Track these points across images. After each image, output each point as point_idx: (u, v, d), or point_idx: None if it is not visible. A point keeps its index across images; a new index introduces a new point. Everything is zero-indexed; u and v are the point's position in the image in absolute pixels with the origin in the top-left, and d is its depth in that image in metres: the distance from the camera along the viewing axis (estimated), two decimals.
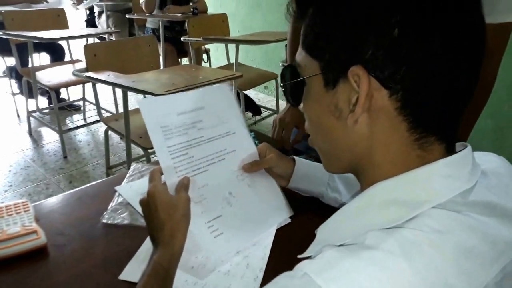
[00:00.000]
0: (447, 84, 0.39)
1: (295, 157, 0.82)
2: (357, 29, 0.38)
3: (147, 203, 0.62)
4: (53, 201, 0.85)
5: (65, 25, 2.95)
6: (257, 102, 3.03)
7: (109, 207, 0.82)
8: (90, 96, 3.22)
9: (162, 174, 0.68)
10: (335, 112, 0.43)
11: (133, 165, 0.99)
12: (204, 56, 3.52)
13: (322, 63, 0.42)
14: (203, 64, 3.54)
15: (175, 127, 0.71)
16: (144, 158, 2.00)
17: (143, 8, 3.24)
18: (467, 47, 0.39)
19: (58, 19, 2.96)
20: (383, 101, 0.39)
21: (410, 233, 0.36)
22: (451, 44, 0.37)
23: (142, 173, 0.96)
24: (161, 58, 3.17)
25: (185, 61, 3.68)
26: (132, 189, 0.89)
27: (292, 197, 0.82)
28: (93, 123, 2.97)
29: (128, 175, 0.95)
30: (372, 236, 0.37)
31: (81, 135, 2.98)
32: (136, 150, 2.22)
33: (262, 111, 3.07)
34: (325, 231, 0.46)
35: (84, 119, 3.19)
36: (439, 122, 0.41)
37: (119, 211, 0.80)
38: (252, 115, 3.02)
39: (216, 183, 0.73)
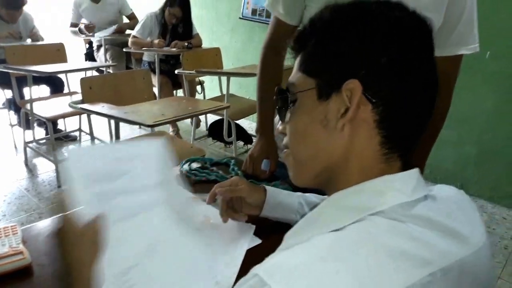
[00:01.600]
0: (416, 107, 0.49)
1: (266, 187, 0.88)
2: (354, 56, 0.48)
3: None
4: (41, 225, 0.91)
5: (64, 59, 3.08)
6: (250, 131, 3.11)
7: None
8: (87, 127, 3.30)
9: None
10: (323, 122, 0.50)
11: None
12: (199, 87, 3.64)
13: (319, 79, 0.50)
14: (197, 95, 3.65)
15: (101, 176, 0.66)
16: None
17: (132, 46, 3.39)
18: (430, 81, 0.50)
19: (57, 53, 3.09)
20: (366, 113, 0.48)
21: (349, 234, 0.42)
22: (421, 75, 0.48)
23: None
24: (156, 90, 3.28)
25: (180, 92, 3.79)
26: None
27: (265, 218, 0.88)
28: None
29: None
30: (315, 239, 0.43)
31: None
32: None
33: (253, 139, 3.16)
34: (289, 236, 0.52)
35: None
36: (405, 140, 0.50)
37: None
38: (244, 144, 3.10)
39: (138, 233, 0.68)
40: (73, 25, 3.92)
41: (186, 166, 1.24)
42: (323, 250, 0.41)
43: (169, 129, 3.36)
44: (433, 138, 1.14)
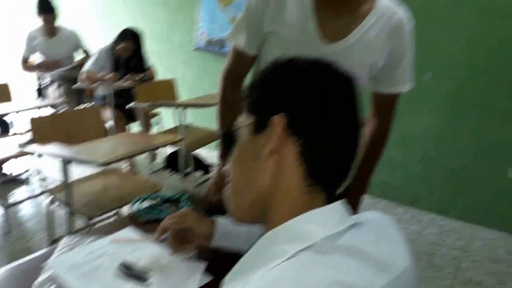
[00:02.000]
0: (335, 144, 0.55)
1: (216, 218, 0.90)
2: (281, 98, 0.56)
3: None
4: None
5: (8, 98, 2.98)
6: (210, 160, 3.12)
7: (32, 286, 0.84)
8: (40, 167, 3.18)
9: None
10: (255, 155, 0.56)
11: (64, 239, 1.02)
12: (156, 118, 3.63)
13: (255, 117, 0.58)
14: (154, 127, 3.63)
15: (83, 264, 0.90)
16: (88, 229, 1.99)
17: (85, 79, 3.35)
18: (350, 124, 0.57)
19: (1, 93, 2.99)
20: (290, 146, 0.54)
21: (286, 273, 0.45)
22: (339, 119, 0.55)
23: (73, 245, 1.00)
24: (110, 124, 3.23)
25: (136, 125, 3.75)
26: (62, 262, 0.92)
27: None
28: (39, 195, 2.92)
29: (58, 248, 0.99)
30: (254, 283, 0.46)
31: (27, 209, 2.90)
32: (81, 222, 2.20)
33: (211, 169, 3.16)
34: (228, 281, 0.56)
35: (30, 191, 3.13)
36: (327, 174, 0.55)
37: None
38: (203, 174, 3.09)
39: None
40: (25, 60, 3.79)
41: (136, 206, 1.23)
42: None
43: (123, 165, 3.29)
44: (375, 157, 1.23)
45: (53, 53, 3.77)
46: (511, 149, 2.52)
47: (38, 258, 0.96)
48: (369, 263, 0.49)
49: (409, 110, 2.76)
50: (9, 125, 3.30)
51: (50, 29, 3.68)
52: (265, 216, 0.57)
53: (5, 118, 3.26)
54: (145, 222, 1.16)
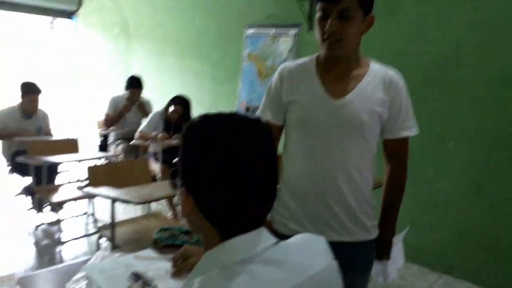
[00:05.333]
0: (220, 201, 0.68)
1: None
2: (184, 167, 0.73)
3: None
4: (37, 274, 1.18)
5: (75, 150, 3.53)
6: None
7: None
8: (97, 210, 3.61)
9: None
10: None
11: (98, 252, 1.33)
12: None
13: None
14: None
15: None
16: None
17: (139, 137, 3.86)
18: (245, 186, 0.69)
19: (71, 146, 3.56)
20: (193, 203, 0.71)
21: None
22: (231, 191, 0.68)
23: (104, 257, 1.30)
24: (159, 177, 3.66)
25: None
26: (94, 267, 1.22)
27: None
28: (92, 234, 3.32)
29: (93, 258, 1.29)
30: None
31: (80, 246, 3.29)
32: None
33: None
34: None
35: (86, 230, 3.55)
36: (221, 220, 0.70)
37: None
38: None
39: None
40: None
41: (157, 234, 1.53)
42: None
43: (168, 213, 3.65)
44: (396, 201, 1.38)
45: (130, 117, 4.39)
46: None
47: (78, 264, 1.27)
48: (286, 267, 0.67)
49: (439, 175, 2.86)
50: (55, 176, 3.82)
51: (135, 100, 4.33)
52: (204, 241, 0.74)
53: (67, 168, 3.80)
54: (164, 246, 1.45)
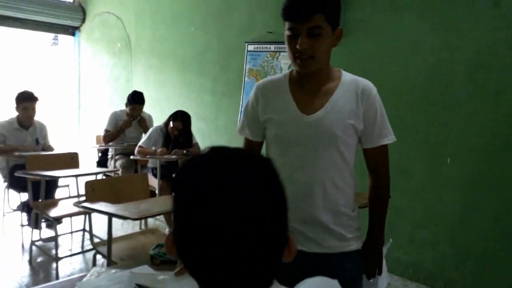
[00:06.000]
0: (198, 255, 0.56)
1: None
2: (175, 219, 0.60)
3: None
4: None
5: (76, 165, 3.51)
6: None
7: None
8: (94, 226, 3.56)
9: None
10: None
11: (93, 268, 1.30)
12: None
13: None
14: None
15: None
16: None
17: (138, 152, 3.85)
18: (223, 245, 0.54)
19: (71, 160, 3.54)
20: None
21: None
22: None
23: (100, 274, 1.27)
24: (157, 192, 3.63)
25: None
26: (90, 284, 1.19)
27: None
28: (88, 250, 3.26)
29: (88, 274, 1.26)
30: None
31: (76, 263, 3.24)
32: None
33: None
34: None
35: (82, 246, 3.50)
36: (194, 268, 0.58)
37: None
38: None
39: None
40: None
41: (154, 250, 1.50)
42: None
43: (166, 228, 3.60)
44: (381, 210, 1.36)
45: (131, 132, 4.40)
46: None
47: (74, 280, 1.24)
48: None
49: (435, 192, 2.87)
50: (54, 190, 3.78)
51: (136, 115, 4.35)
52: None
53: (67, 183, 3.77)
54: (161, 262, 1.41)
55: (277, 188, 0.60)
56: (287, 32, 1.22)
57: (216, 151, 0.60)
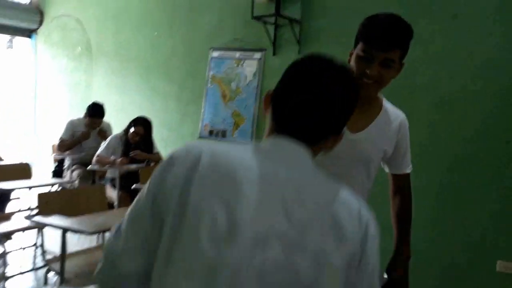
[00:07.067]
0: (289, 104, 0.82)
1: None
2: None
3: None
4: None
5: (28, 176, 3.29)
6: None
7: None
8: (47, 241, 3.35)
9: None
10: None
11: None
12: None
13: None
14: None
15: None
16: None
17: (96, 162, 3.66)
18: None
19: (23, 171, 3.32)
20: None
21: None
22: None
23: None
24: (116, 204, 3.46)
25: None
26: None
27: None
28: (40, 267, 3.05)
29: None
30: None
31: (28, 281, 3.02)
32: None
33: None
34: None
35: (34, 263, 3.27)
36: (281, 121, 0.83)
37: None
38: None
39: None
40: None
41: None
42: None
43: None
44: (406, 227, 1.54)
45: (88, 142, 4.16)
46: (499, 242, 2.59)
47: None
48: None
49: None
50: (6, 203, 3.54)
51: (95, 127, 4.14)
52: None
53: (18, 196, 3.53)
54: None
55: (356, 93, 0.84)
56: (359, 53, 1.24)
57: (323, 56, 0.83)
